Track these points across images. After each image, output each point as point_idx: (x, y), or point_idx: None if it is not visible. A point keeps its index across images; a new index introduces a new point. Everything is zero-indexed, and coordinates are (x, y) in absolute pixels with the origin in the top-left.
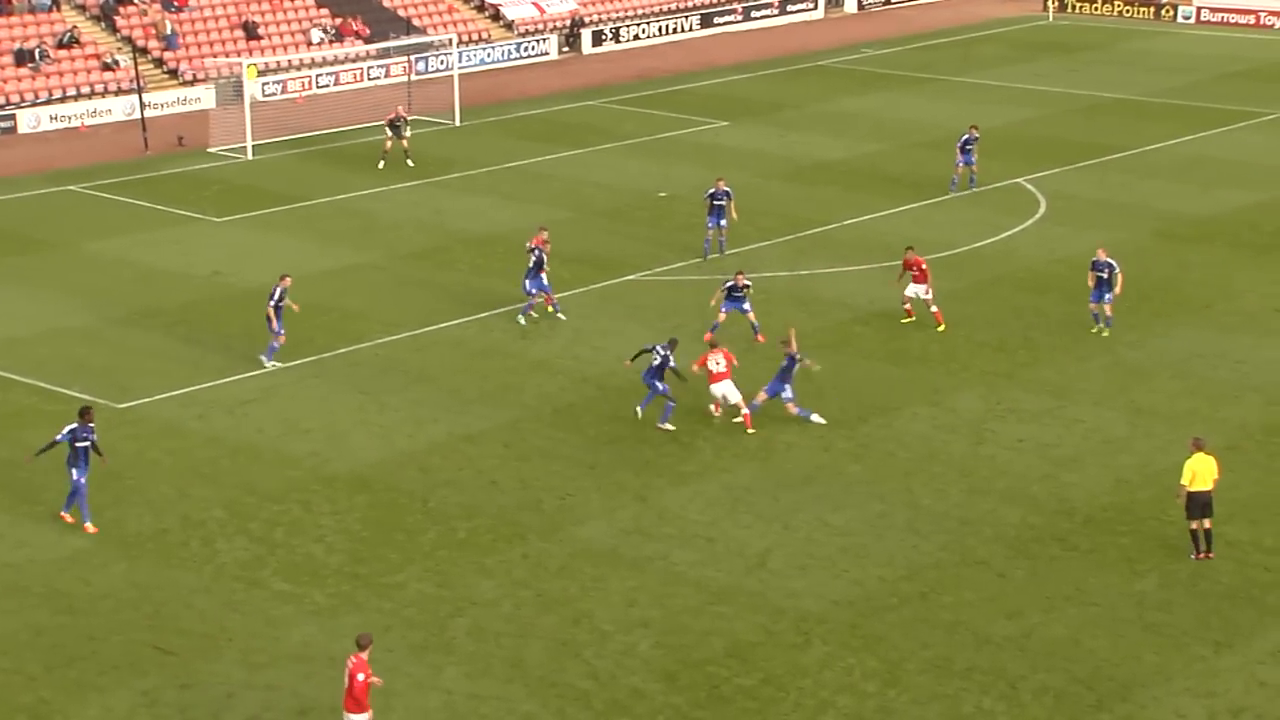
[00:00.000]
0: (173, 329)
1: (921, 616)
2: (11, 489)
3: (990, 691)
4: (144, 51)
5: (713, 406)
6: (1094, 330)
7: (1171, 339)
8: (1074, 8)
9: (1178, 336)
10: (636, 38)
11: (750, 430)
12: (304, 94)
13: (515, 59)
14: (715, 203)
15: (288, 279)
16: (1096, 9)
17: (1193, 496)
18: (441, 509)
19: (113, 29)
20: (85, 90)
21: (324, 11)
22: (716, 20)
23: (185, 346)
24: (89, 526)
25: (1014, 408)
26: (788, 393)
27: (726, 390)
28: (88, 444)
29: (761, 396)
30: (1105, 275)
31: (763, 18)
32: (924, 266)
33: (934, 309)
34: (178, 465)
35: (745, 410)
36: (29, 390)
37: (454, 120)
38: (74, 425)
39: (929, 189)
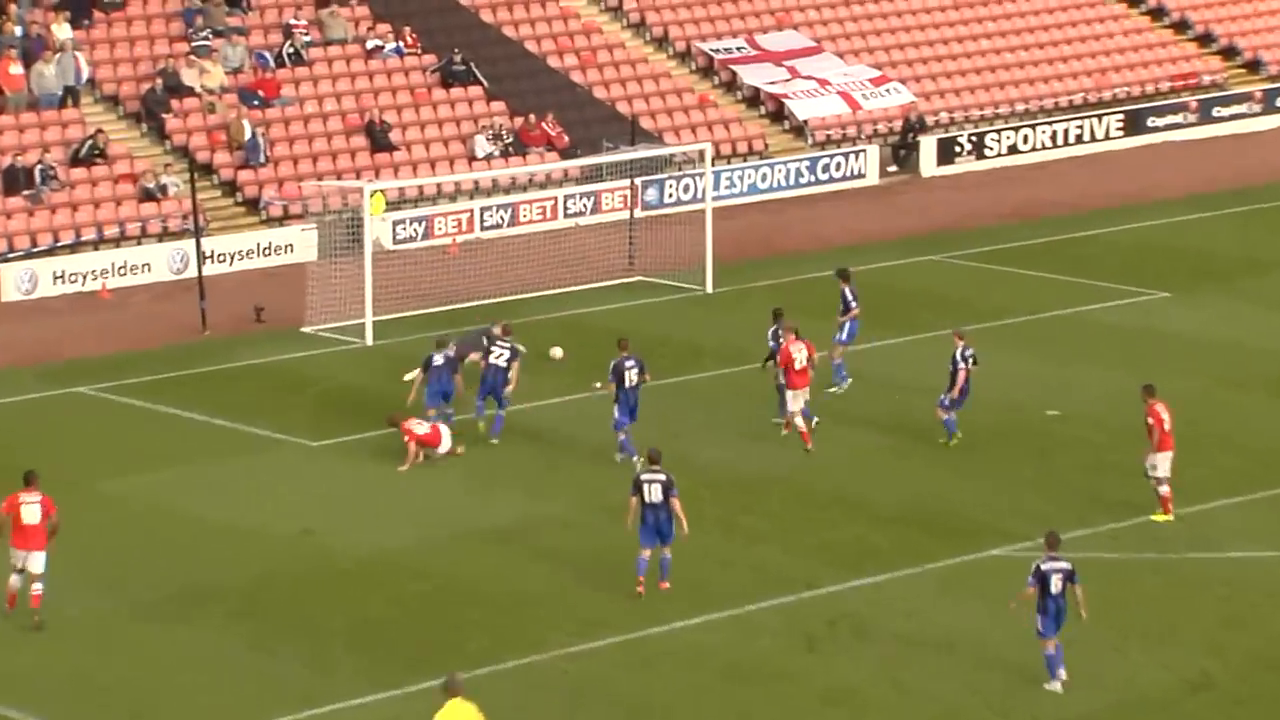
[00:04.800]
0: (233, 625)
1: None
2: None
3: None
4: (208, 170)
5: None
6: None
7: None
8: None
9: None
10: (1013, 149)
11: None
12: (459, 238)
13: (808, 184)
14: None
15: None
16: None
17: None
18: None
19: (159, 134)
20: (111, 233)
21: (497, 106)
22: (1151, 122)
23: (253, 655)
24: None
25: None
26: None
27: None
28: None
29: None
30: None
31: (1232, 118)
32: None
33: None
34: None
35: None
36: None
37: (704, 284)
38: None
39: None
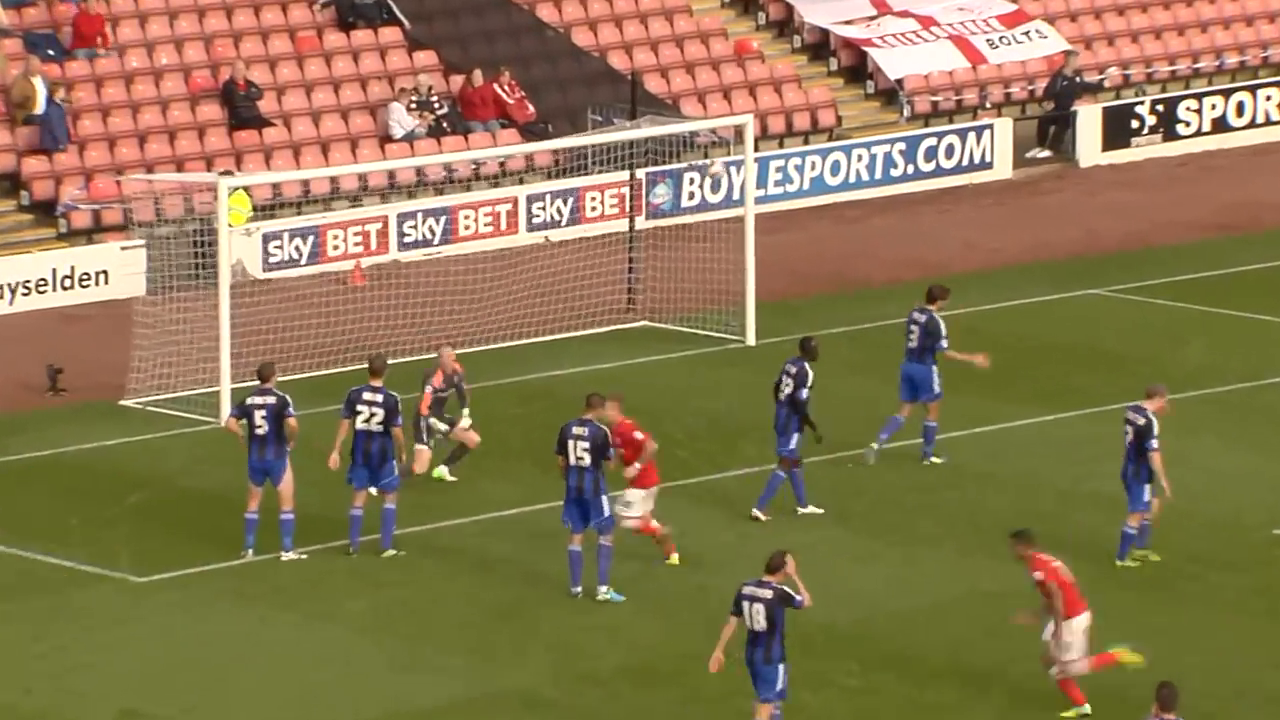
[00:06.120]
0: None
1: None
2: None
3: None
4: None
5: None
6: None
7: None
8: None
9: None
10: (1221, 125)
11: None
12: (366, 261)
13: (903, 178)
14: None
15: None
16: None
17: None
18: None
19: None
20: None
21: (423, 58)
22: None
23: None
24: None
25: None
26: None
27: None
28: None
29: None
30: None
31: None
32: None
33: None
34: None
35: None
36: None
37: (744, 333)
38: None
39: None
